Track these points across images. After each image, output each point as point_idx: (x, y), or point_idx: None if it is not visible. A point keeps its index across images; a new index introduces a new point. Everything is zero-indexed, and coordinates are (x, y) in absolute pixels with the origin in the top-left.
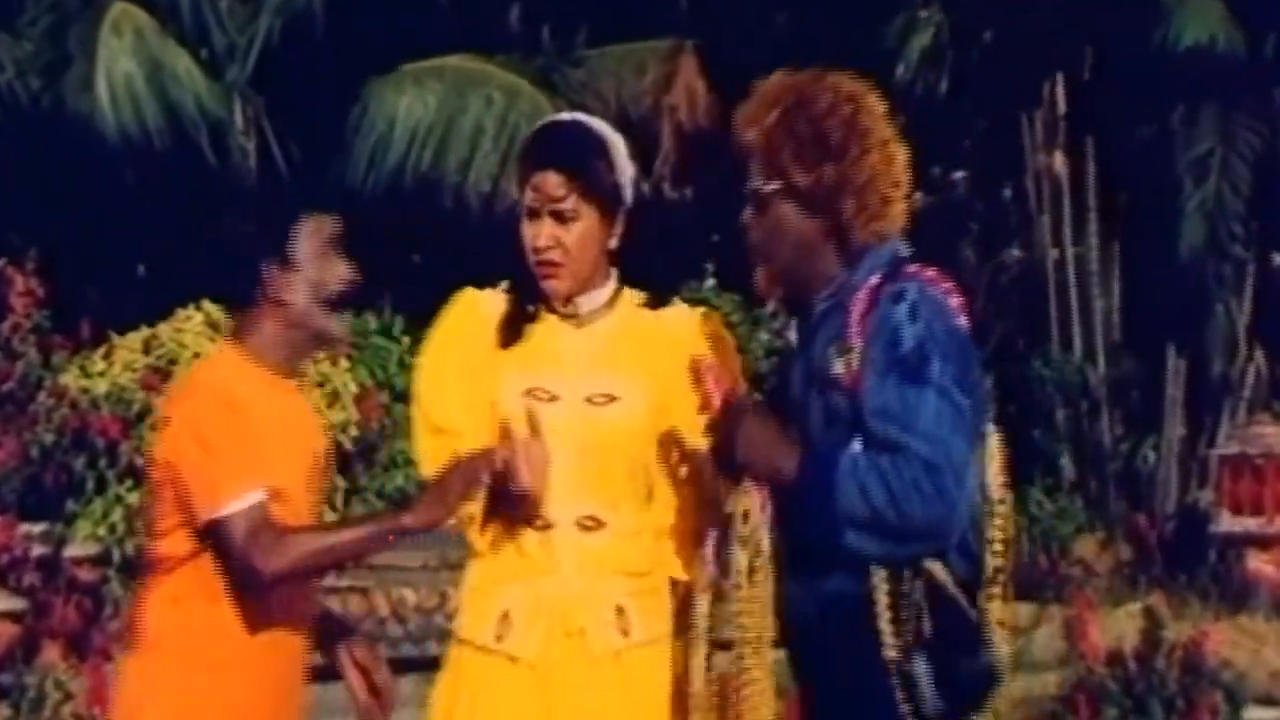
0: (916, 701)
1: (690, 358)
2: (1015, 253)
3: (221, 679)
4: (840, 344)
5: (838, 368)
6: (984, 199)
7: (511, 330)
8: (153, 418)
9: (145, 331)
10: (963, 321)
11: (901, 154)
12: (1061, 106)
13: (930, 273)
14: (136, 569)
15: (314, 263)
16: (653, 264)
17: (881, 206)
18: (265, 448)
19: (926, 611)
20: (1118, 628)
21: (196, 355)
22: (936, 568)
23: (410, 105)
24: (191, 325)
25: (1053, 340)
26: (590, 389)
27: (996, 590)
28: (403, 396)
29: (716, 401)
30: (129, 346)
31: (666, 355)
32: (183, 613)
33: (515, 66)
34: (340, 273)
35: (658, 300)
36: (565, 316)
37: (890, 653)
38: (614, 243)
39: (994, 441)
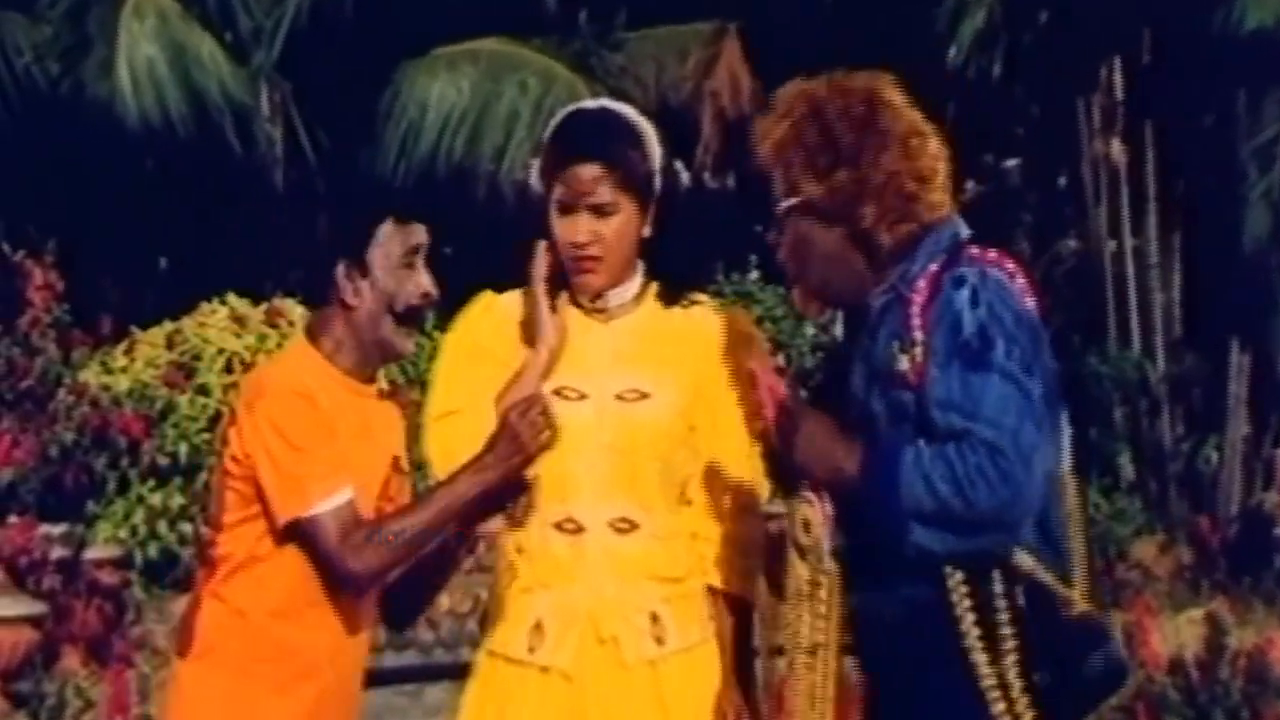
0: (1018, 714)
1: (742, 364)
2: (1071, 244)
3: (285, 697)
4: (903, 339)
5: (902, 364)
6: (1038, 188)
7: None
8: (175, 417)
9: (168, 326)
10: (1029, 303)
11: (931, 143)
12: (1119, 91)
13: (992, 254)
14: (159, 572)
15: (391, 272)
16: (680, 254)
17: (907, 205)
18: (348, 447)
19: (1027, 613)
20: (1179, 635)
21: (220, 351)
22: (1025, 560)
23: (443, 90)
24: (215, 319)
25: (1110, 335)
26: (620, 385)
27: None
28: None
29: (770, 408)
30: (151, 342)
31: (697, 352)
32: (245, 626)
33: (551, 50)
34: (418, 286)
35: (681, 293)
36: (590, 311)
37: (980, 660)
38: (646, 233)
39: (1064, 427)
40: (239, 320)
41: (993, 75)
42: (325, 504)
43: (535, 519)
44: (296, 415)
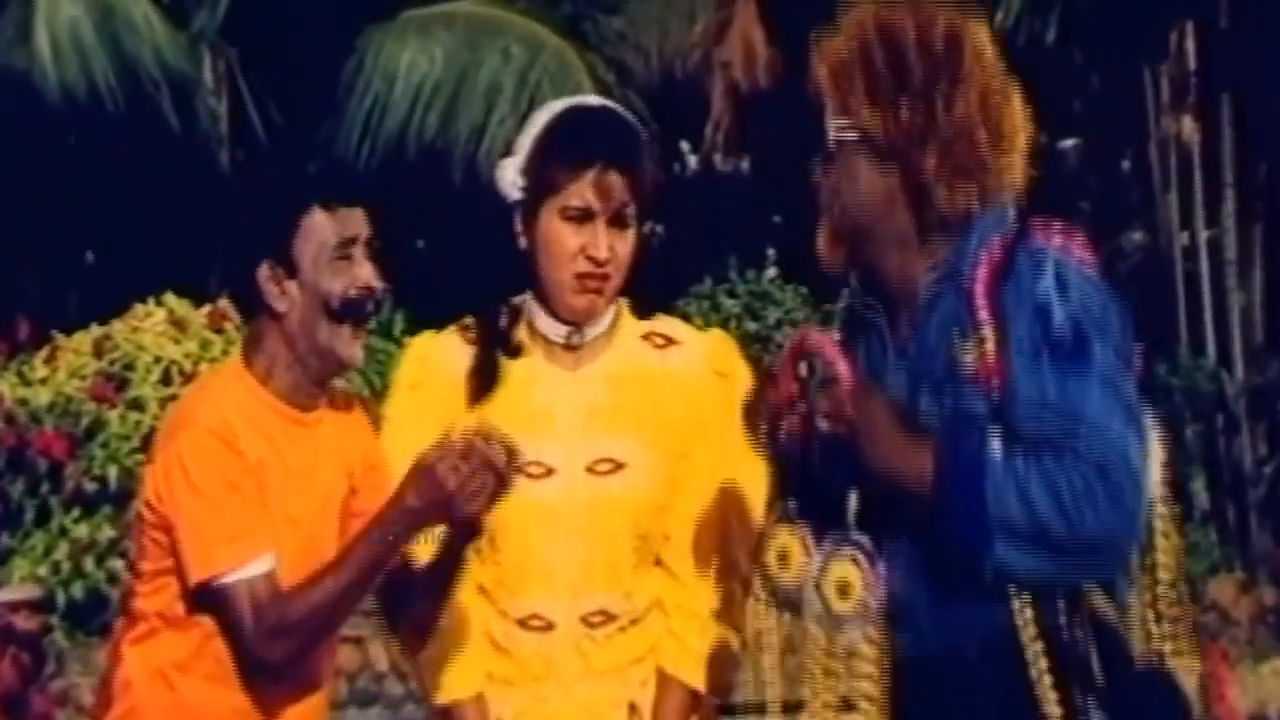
0: None
1: (798, 335)
2: (1136, 236)
3: None
4: (966, 329)
5: (966, 358)
6: (1099, 171)
7: (485, 379)
8: (104, 435)
9: (96, 331)
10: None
11: (1014, 106)
12: (1192, 60)
13: (1058, 231)
14: (85, 617)
15: (323, 268)
16: (687, 249)
17: (974, 167)
18: (273, 499)
19: (1094, 651)
20: (1261, 688)
21: (157, 359)
22: (1098, 597)
23: (413, 59)
24: (151, 323)
25: (1182, 342)
26: (591, 454)
27: (1167, 627)
28: None
29: (845, 373)
30: (76, 349)
31: (675, 401)
32: (172, 689)
33: (537, 13)
34: (355, 277)
35: (654, 311)
36: (558, 354)
37: (1050, 706)
38: None
39: (1153, 436)
40: (178, 324)
41: (1046, 40)
42: (236, 573)
43: (497, 613)
44: (210, 461)
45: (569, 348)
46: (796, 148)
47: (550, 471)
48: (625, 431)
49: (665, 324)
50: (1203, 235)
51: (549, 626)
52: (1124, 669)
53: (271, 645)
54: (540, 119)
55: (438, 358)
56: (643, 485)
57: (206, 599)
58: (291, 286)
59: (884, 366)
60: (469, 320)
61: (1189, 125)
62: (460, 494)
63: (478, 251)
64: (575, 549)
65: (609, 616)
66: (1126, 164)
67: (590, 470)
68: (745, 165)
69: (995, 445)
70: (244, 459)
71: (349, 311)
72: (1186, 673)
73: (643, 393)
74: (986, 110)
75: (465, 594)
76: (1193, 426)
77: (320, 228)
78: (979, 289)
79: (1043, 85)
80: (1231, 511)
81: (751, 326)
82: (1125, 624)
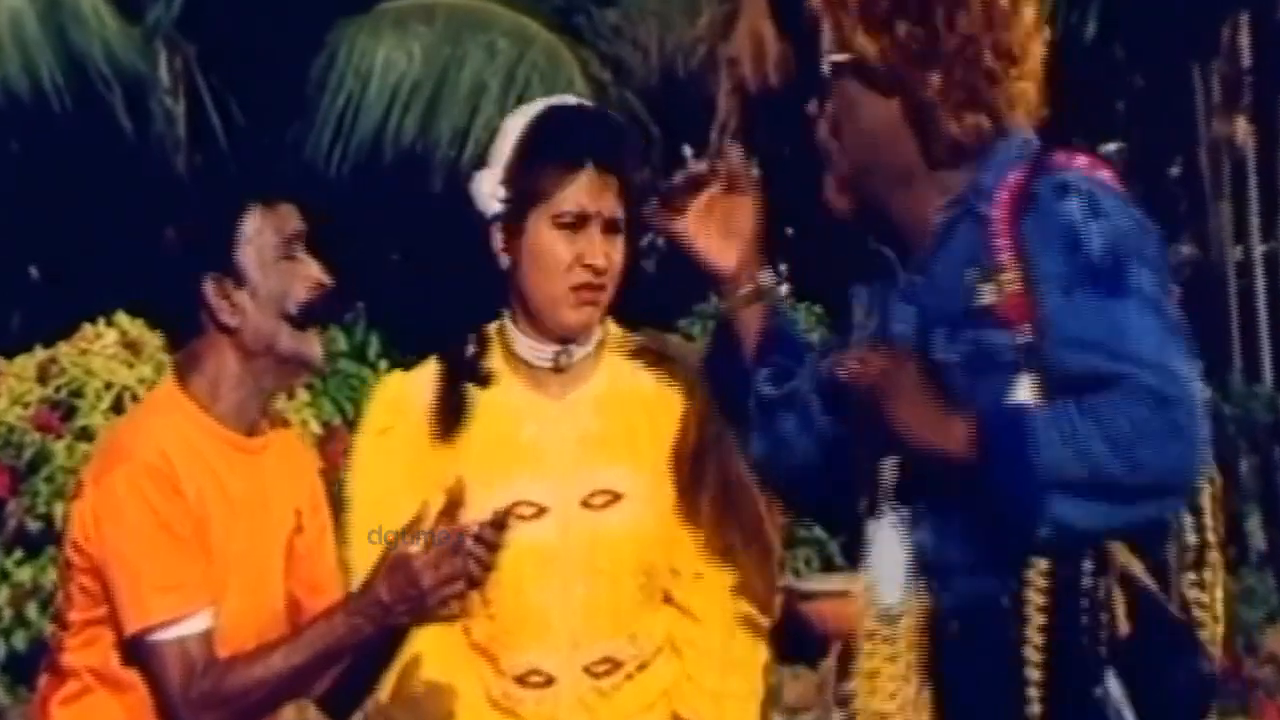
0: None
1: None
2: (1185, 249)
3: None
4: (985, 265)
5: (986, 296)
6: (1144, 179)
7: (451, 414)
8: (50, 468)
9: (40, 354)
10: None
11: (1026, 12)
12: (1246, 57)
13: (1082, 159)
14: (27, 669)
15: (269, 269)
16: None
17: (983, 85)
18: (216, 534)
19: (1121, 612)
20: None
21: (108, 385)
22: (1121, 552)
23: (389, 55)
24: (101, 346)
25: (1235, 366)
26: (586, 487)
27: (1207, 574)
28: None
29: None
30: (18, 374)
31: (672, 421)
32: None
33: (525, 5)
34: (307, 276)
35: (642, 328)
36: (542, 379)
37: (1031, 669)
38: None
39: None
40: (131, 346)
41: (1085, 36)
42: (169, 630)
43: (494, 671)
44: (146, 501)
45: (556, 370)
46: (810, 153)
47: (542, 511)
48: (620, 459)
49: (654, 340)
50: (1258, 249)
51: (549, 681)
52: (1153, 630)
53: (199, 716)
54: (516, 124)
55: (410, 398)
56: (644, 516)
57: (137, 654)
58: (241, 296)
59: (893, 309)
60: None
61: (1243, 128)
62: (434, 593)
63: (460, 267)
64: (573, 593)
65: (615, 664)
66: (1174, 170)
67: (585, 504)
68: (754, 172)
69: (1029, 392)
70: (183, 499)
71: (310, 315)
72: (1209, 641)
73: (636, 416)
74: (992, 23)
75: (459, 653)
76: (1248, 459)
77: (261, 229)
78: (998, 221)
79: (1083, 84)
80: None
81: None
82: (1160, 582)
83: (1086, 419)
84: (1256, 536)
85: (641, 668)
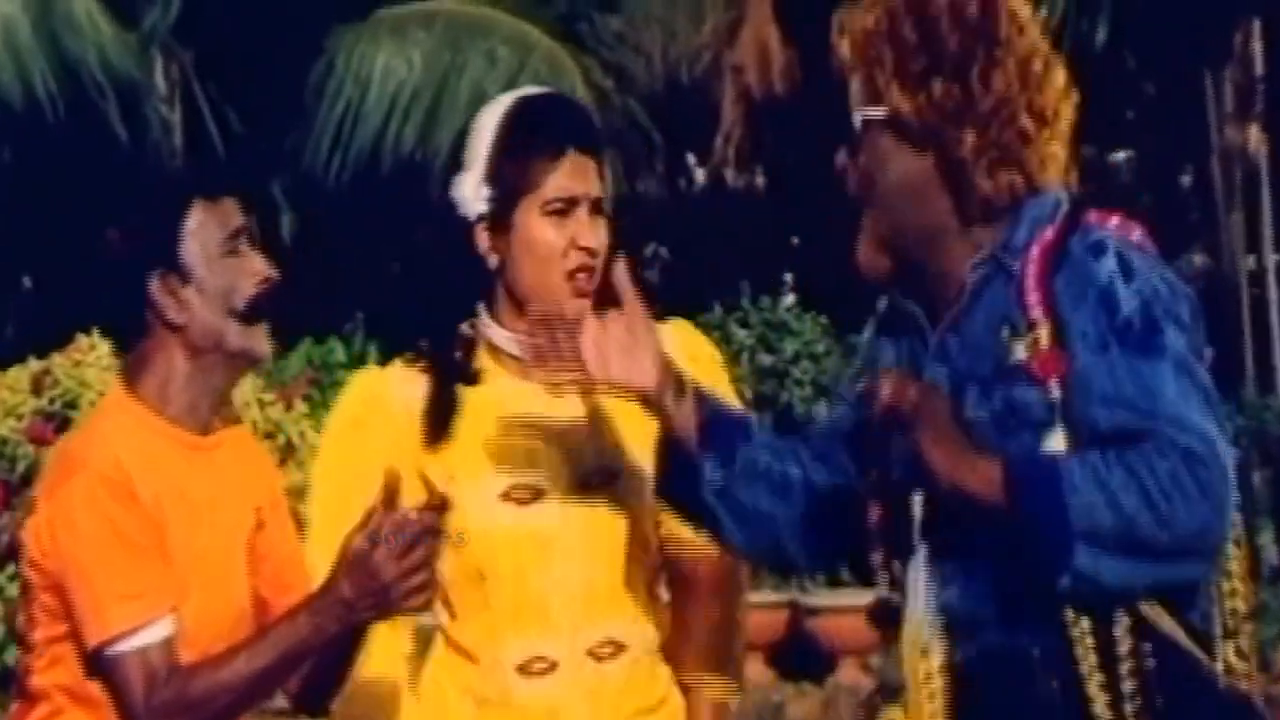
0: None
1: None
2: (1196, 260)
3: None
4: (1017, 322)
5: (1018, 353)
6: (1155, 188)
7: (444, 417)
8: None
9: (33, 365)
10: (1175, 276)
11: (1057, 75)
12: (1259, 64)
13: (1115, 220)
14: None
15: (214, 265)
16: (695, 272)
17: (1016, 145)
18: (175, 537)
19: (1154, 676)
20: None
21: (102, 397)
22: (1160, 615)
23: (389, 63)
24: (95, 357)
25: (1247, 377)
26: (582, 469)
27: (1242, 643)
28: None
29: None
30: (12, 385)
31: None
32: None
33: (526, 12)
34: (252, 271)
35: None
36: (525, 373)
37: (1102, 712)
38: None
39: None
40: None
41: (1096, 43)
42: (130, 640)
43: (487, 665)
44: (101, 510)
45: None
46: (816, 161)
47: (537, 494)
48: (615, 439)
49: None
50: (1271, 259)
51: (552, 667)
52: (1196, 692)
53: None
54: (489, 121)
55: (388, 393)
56: (643, 493)
57: (99, 667)
58: (188, 293)
59: (924, 366)
60: (413, 353)
61: (1255, 136)
62: (397, 585)
63: (456, 273)
64: (574, 572)
65: (619, 646)
66: (1186, 179)
67: (582, 485)
68: (759, 181)
69: (1061, 447)
70: (139, 505)
71: (256, 309)
72: (1255, 696)
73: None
74: (1026, 84)
75: (434, 660)
76: (1260, 472)
77: (205, 224)
78: (1030, 278)
79: (1092, 92)
80: None
81: (766, 360)
82: (1199, 643)
83: (1119, 470)
84: (1269, 551)
85: (651, 654)
